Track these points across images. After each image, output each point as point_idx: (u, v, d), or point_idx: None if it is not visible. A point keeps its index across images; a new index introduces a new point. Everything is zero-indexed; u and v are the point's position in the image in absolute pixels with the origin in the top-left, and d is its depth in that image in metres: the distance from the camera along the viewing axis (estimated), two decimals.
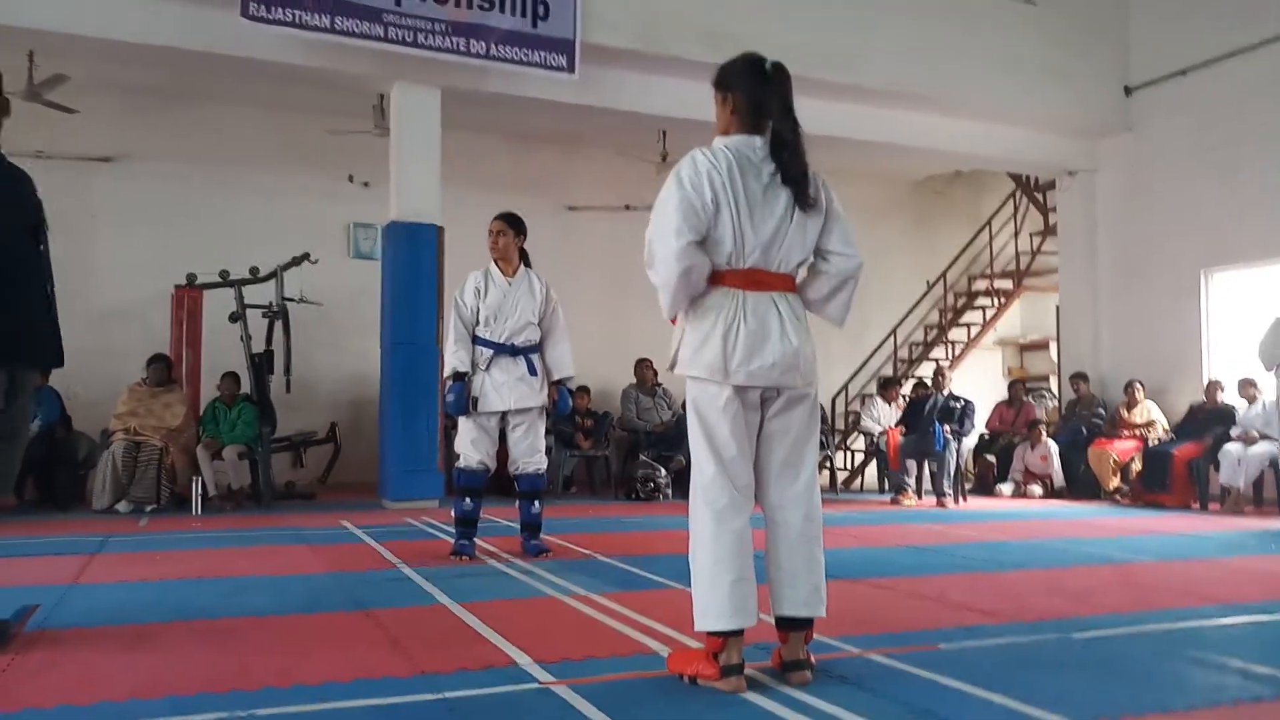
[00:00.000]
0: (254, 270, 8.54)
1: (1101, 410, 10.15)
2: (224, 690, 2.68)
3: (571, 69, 8.11)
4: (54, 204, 3.57)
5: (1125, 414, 9.73)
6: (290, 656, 3.09)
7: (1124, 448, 9.42)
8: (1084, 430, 9.93)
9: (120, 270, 9.45)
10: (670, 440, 9.38)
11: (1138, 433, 9.50)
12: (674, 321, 3.00)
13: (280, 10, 7.20)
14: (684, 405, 3.01)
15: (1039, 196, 12.61)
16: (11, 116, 3.51)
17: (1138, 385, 9.69)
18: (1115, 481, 9.34)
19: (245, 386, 8.38)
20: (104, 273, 9.37)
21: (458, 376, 5.11)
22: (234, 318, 8.33)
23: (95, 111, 9.05)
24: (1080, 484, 9.71)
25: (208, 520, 7.03)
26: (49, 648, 3.20)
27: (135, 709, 2.53)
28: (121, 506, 7.39)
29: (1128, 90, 10.56)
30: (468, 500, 5.18)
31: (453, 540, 5.29)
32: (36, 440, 7.04)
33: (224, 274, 8.52)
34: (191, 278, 8.60)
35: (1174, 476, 8.85)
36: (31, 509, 7.41)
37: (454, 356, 5.14)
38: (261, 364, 8.38)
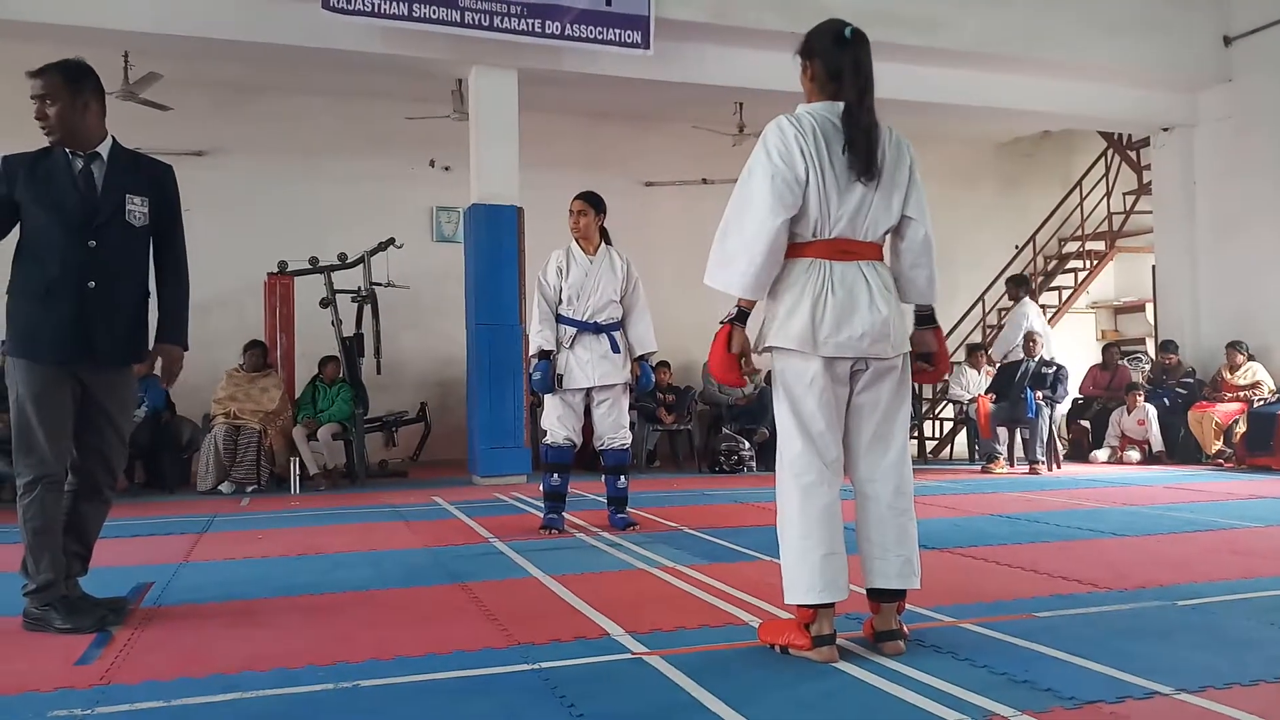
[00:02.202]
0: (342, 256, 8.75)
1: (1189, 380, 9.80)
2: (329, 663, 2.78)
3: (646, 45, 8.08)
4: None
5: (1227, 376, 9.39)
6: (391, 629, 3.19)
7: (1227, 410, 9.09)
8: (1166, 401, 9.61)
9: (215, 260, 9.61)
10: (753, 413, 9.36)
11: (1241, 395, 9.16)
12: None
13: (359, 1, 7.34)
14: (767, 378, 2.98)
15: (1132, 154, 12.17)
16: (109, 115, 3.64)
17: (1240, 346, 9.33)
18: (1218, 445, 9.03)
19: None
20: (200, 263, 9.45)
21: (543, 355, 5.19)
22: (324, 303, 8.57)
23: (186, 107, 9.34)
24: (1180, 448, 9.42)
25: (306, 499, 7.27)
26: (163, 623, 3.35)
27: (247, 680, 2.63)
28: (224, 488, 7.68)
29: (1227, 40, 10.08)
30: (555, 475, 5.28)
31: (542, 514, 5.39)
32: (143, 426, 7.36)
33: (313, 260, 8.75)
34: (283, 265, 8.85)
35: None
36: (140, 491, 7.74)
37: (539, 335, 5.22)
38: (352, 347, 8.62)
